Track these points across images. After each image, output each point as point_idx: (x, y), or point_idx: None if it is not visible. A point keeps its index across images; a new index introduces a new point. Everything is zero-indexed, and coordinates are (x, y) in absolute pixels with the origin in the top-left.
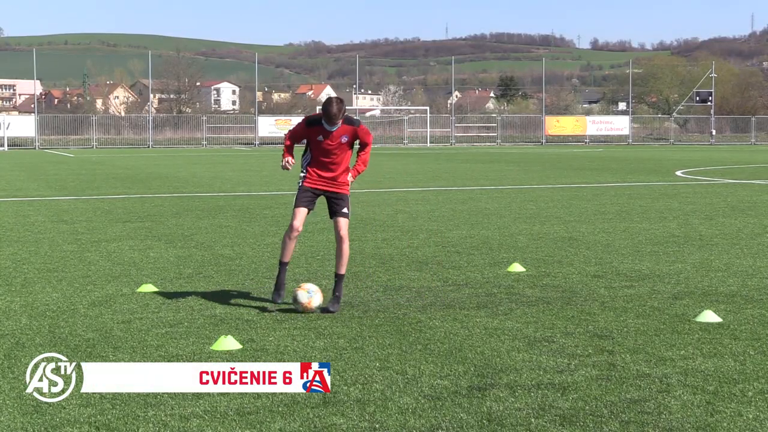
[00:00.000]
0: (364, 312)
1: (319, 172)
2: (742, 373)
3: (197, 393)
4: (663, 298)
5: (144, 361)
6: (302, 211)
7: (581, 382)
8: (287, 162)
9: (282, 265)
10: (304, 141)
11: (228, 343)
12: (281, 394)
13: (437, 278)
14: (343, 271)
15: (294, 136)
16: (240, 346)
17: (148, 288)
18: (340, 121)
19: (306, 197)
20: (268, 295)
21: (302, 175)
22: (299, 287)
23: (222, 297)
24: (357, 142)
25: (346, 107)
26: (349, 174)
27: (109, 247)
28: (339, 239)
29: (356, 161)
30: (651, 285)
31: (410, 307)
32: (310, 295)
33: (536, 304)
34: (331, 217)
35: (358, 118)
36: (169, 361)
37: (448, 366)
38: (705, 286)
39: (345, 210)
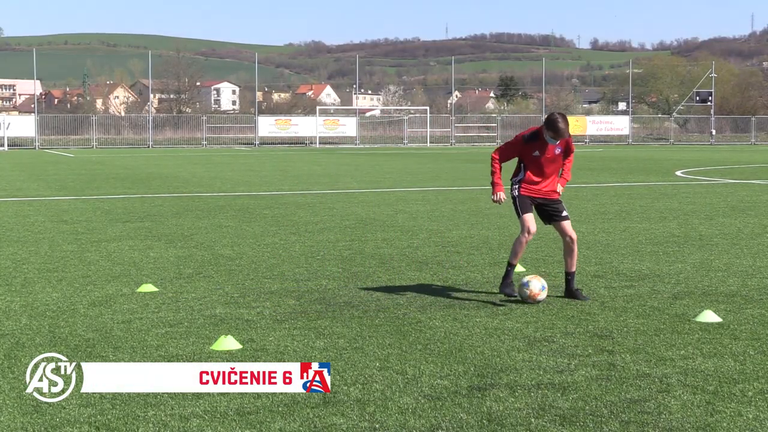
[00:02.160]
0: (364, 312)
1: (533, 186)
2: (742, 373)
3: (197, 393)
4: (663, 298)
5: (144, 361)
6: (532, 215)
7: (581, 382)
8: (499, 198)
9: (511, 266)
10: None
11: (228, 343)
12: (281, 394)
13: (437, 278)
14: (574, 268)
15: (506, 153)
16: (240, 346)
17: (148, 288)
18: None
19: (528, 203)
20: (268, 295)
21: (516, 191)
22: (535, 277)
23: (222, 297)
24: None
25: (349, 107)
26: (558, 185)
27: (109, 247)
28: (569, 240)
29: (563, 171)
30: (651, 285)
31: (410, 307)
32: (543, 288)
33: (536, 304)
34: (548, 223)
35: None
36: (169, 361)
37: (448, 366)
38: (705, 286)
39: (565, 213)
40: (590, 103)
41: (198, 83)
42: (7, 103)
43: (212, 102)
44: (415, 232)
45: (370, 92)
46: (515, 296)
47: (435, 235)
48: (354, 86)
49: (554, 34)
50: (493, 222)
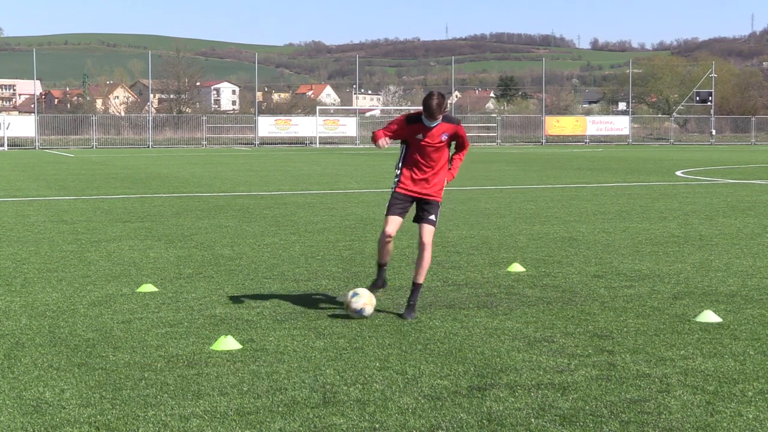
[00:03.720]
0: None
1: (415, 175)
2: (742, 373)
3: (197, 392)
4: (663, 298)
5: (143, 361)
6: (395, 219)
7: (581, 382)
8: (384, 141)
9: (380, 266)
10: (398, 142)
11: (228, 343)
12: (281, 393)
13: (437, 278)
14: (421, 280)
15: (391, 129)
16: (240, 346)
17: (148, 288)
18: (440, 117)
19: (399, 206)
20: (268, 295)
21: (396, 179)
22: (347, 307)
23: (222, 297)
24: (454, 144)
25: (349, 107)
26: (445, 179)
27: (109, 247)
28: (421, 246)
29: (452, 165)
30: (651, 285)
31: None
32: (361, 312)
33: (536, 304)
34: (415, 221)
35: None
36: (169, 361)
37: (448, 366)
38: (705, 286)
39: (432, 217)
40: (590, 103)
41: (198, 83)
42: (7, 103)
43: (212, 102)
44: (415, 233)
45: (370, 92)
46: (382, 289)
47: (435, 235)
48: (354, 86)
49: (554, 34)
50: (492, 222)
